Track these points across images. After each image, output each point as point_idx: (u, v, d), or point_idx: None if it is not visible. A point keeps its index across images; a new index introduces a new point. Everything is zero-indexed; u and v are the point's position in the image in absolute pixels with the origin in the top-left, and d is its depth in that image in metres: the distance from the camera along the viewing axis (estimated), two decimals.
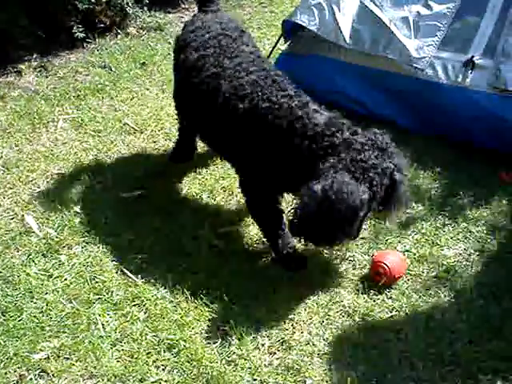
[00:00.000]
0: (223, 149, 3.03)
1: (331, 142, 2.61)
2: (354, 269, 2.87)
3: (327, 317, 2.62)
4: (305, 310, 2.64)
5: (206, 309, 2.61)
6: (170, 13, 5.62)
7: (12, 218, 3.10)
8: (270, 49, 4.50)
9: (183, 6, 5.82)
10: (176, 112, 3.48)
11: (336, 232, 2.55)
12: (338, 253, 2.93)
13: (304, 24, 3.91)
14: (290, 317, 2.60)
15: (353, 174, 2.51)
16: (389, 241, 3.04)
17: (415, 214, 3.24)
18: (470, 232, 3.13)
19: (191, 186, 3.35)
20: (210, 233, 3.00)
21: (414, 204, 3.30)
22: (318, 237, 2.61)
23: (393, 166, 2.61)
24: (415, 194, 3.38)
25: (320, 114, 2.72)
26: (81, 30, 4.78)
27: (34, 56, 4.68)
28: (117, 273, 2.78)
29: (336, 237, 2.58)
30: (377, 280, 2.77)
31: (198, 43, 3.04)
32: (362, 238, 3.04)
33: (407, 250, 3.00)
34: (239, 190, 3.26)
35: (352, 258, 2.93)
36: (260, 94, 2.76)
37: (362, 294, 2.74)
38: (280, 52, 4.34)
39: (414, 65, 3.74)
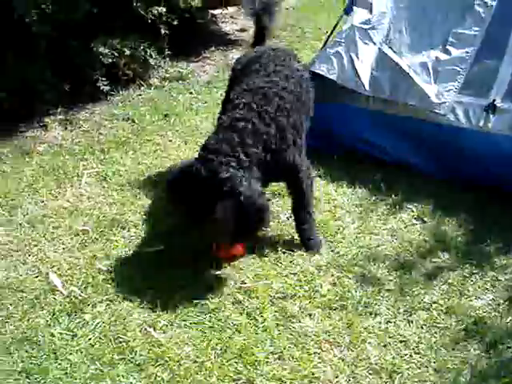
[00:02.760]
0: None
1: None
2: (379, 323, 2.83)
3: (354, 375, 2.57)
4: (330, 367, 2.60)
5: (231, 368, 2.57)
6: (192, 62, 5.72)
7: (36, 276, 3.11)
8: None
9: (204, 55, 5.93)
10: None
11: None
12: None
13: (323, 73, 3.94)
14: (315, 375, 2.56)
15: None
16: (415, 292, 2.99)
17: (441, 263, 3.20)
18: (498, 281, 3.08)
19: None
20: (234, 289, 2.99)
21: (439, 253, 3.27)
22: None
23: None
24: (441, 241, 3.35)
25: None
26: (105, 83, 4.87)
27: (59, 110, 4.76)
28: (140, 331, 2.76)
29: None
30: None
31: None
32: (388, 291, 3.00)
33: (434, 302, 2.95)
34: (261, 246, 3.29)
35: (378, 311, 2.89)
36: None
37: (388, 349, 2.69)
38: None
39: (435, 110, 3.75)
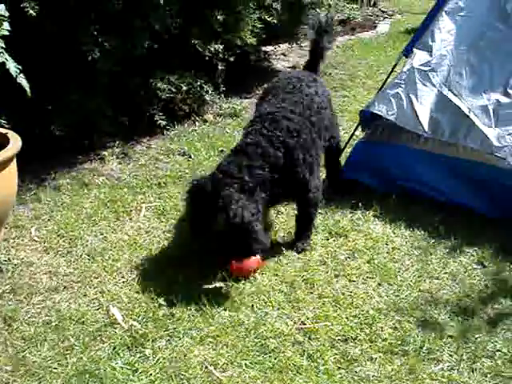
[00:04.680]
0: None
1: None
2: (442, 370, 2.77)
3: None
4: None
5: None
6: (245, 98, 5.80)
7: (97, 309, 3.14)
8: (346, 135, 4.56)
9: (257, 91, 6.00)
10: None
11: None
12: None
13: (382, 114, 3.95)
14: None
15: None
16: (478, 339, 2.94)
17: (504, 310, 3.14)
18: None
19: (271, 278, 3.34)
20: (294, 329, 2.97)
21: (501, 299, 3.21)
22: None
23: None
24: (502, 287, 3.29)
25: None
26: (162, 117, 4.96)
27: (117, 143, 4.85)
28: (201, 369, 2.75)
29: None
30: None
31: None
32: (450, 337, 2.95)
33: (498, 350, 2.88)
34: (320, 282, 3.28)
35: (441, 358, 2.83)
36: None
37: None
38: (357, 140, 4.37)
39: (496, 154, 3.71)
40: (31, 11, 3.84)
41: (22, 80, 3.47)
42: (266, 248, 3.30)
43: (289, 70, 6.52)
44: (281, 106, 3.52)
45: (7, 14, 3.37)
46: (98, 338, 2.95)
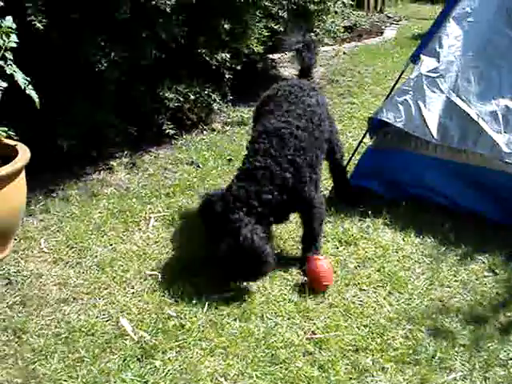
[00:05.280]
0: None
1: None
2: (455, 379, 2.74)
3: None
4: None
5: None
6: (252, 106, 5.76)
7: (107, 320, 3.13)
8: (354, 142, 4.55)
9: None
10: None
11: None
12: None
13: (390, 121, 3.94)
14: None
15: None
16: (490, 348, 2.91)
17: None
18: None
19: (280, 287, 3.33)
20: (304, 339, 2.95)
21: None
22: None
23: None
24: None
25: None
26: (171, 126, 4.96)
27: (125, 153, 4.85)
28: (211, 381, 2.74)
29: None
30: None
31: None
32: (462, 345, 2.93)
33: (511, 358, 2.85)
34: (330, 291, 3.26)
35: (453, 367, 2.81)
36: None
37: None
38: (365, 147, 4.36)
39: (505, 160, 3.69)
40: (38, 24, 3.84)
41: (31, 91, 3.48)
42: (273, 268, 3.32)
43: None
44: (286, 121, 3.49)
45: (15, 26, 3.40)
46: (108, 350, 2.94)
